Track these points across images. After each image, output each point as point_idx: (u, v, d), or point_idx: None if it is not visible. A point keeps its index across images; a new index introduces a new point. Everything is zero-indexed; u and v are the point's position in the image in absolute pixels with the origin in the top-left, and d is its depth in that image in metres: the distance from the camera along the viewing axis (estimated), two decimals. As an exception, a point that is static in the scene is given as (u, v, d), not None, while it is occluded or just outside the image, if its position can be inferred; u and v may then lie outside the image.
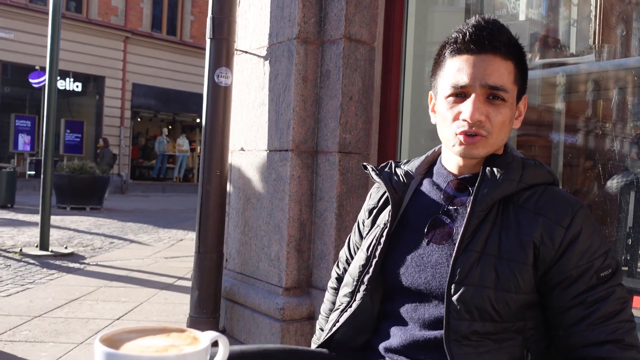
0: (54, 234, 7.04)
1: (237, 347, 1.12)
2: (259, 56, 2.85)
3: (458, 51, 1.14)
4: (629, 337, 1.04)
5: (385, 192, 1.28)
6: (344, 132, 2.58)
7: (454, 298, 1.07)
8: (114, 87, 18.92)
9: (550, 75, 3.21)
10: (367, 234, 1.29)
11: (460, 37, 1.13)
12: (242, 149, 2.96)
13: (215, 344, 0.74)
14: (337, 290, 1.40)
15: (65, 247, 6.64)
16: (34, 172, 16.23)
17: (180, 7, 20.71)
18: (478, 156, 1.15)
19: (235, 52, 2.87)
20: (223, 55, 2.74)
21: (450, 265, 1.09)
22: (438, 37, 3.49)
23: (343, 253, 1.45)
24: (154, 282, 5.17)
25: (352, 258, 1.38)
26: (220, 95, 2.73)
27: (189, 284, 5.13)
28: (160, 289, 4.89)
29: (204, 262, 2.72)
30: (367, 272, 1.20)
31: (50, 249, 6.32)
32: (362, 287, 1.21)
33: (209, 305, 2.71)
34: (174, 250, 7.20)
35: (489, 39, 1.11)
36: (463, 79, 1.11)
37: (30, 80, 15.56)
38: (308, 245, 2.65)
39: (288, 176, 2.61)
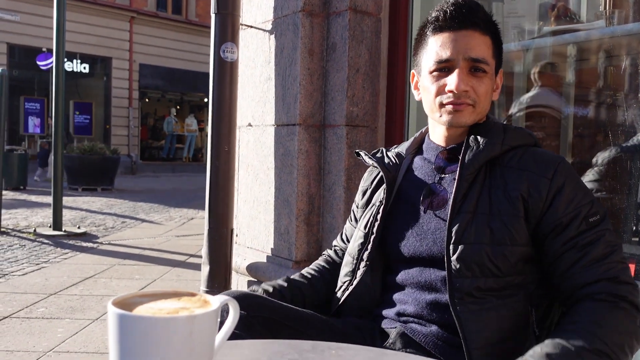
0: (66, 214, 7.12)
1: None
2: (264, 30, 2.83)
3: (440, 29, 1.21)
4: (622, 275, 1.07)
5: (378, 174, 1.35)
6: (351, 105, 2.58)
7: (453, 258, 1.12)
8: (121, 67, 18.90)
9: (560, 44, 3.17)
10: (363, 214, 1.35)
11: (442, 15, 1.20)
12: (250, 125, 2.96)
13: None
14: (327, 263, 1.45)
15: (78, 227, 6.72)
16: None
17: (185, -15, 20.57)
18: (465, 124, 1.21)
19: (240, 26, 2.86)
20: (228, 30, 2.73)
21: (445, 229, 1.15)
22: (445, 7, 3.45)
23: (339, 238, 1.50)
24: (166, 260, 5.24)
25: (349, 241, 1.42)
26: (227, 71, 2.73)
27: (200, 260, 5.20)
28: (172, 266, 4.96)
29: (215, 237, 2.74)
30: (366, 249, 1.26)
31: (63, 229, 6.41)
32: (362, 264, 1.26)
33: (220, 280, 2.75)
34: (185, 228, 7.27)
35: (468, 15, 1.18)
36: (446, 53, 1.18)
37: (38, 63, 15.58)
38: (317, 218, 2.67)
39: (296, 150, 2.61)
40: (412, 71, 1.32)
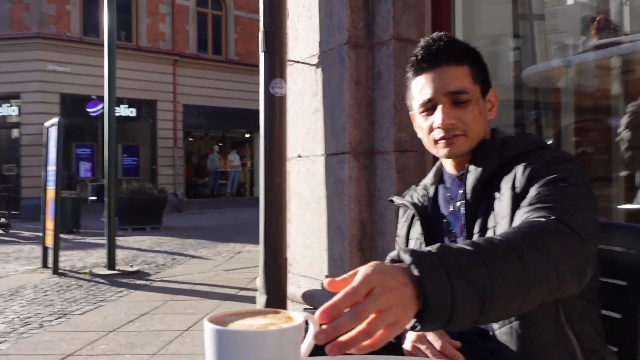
0: (119, 254, 7.32)
1: None
2: (310, 64, 2.92)
3: (416, 72, 1.27)
4: (573, 220, 0.99)
5: (411, 211, 1.39)
6: (399, 130, 2.62)
7: None
8: (166, 109, 19.51)
9: (604, 57, 3.14)
10: (407, 245, 1.39)
11: (415, 59, 1.26)
12: (299, 156, 3.03)
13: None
14: None
15: (131, 266, 6.90)
16: (96, 197, 16.91)
17: (224, 27, 21.21)
18: (462, 153, 1.25)
19: (287, 62, 2.96)
20: (277, 67, 2.83)
21: None
22: (486, 30, 3.48)
23: None
24: (217, 294, 5.31)
25: None
26: (277, 105, 2.82)
27: (250, 293, 5.26)
28: (223, 299, 5.02)
29: (270, 267, 2.79)
30: None
31: (117, 268, 6.59)
32: None
33: (276, 309, 2.78)
34: (233, 262, 7.36)
35: (439, 53, 1.23)
36: (427, 94, 1.24)
37: (88, 110, 16.26)
38: (370, 244, 2.69)
39: (346, 178, 2.65)
40: (410, 112, 1.37)
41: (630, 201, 2.93)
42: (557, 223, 0.96)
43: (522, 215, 1.04)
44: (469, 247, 0.83)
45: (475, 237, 1.17)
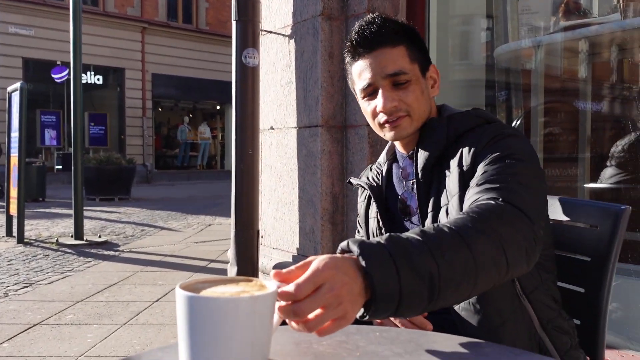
0: (86, 224, 7.22)
1: None
2: (284, 35, 2.89)
3: (353, 57, 1.26)
4: (521, 201, 0.99)
5: (368, 190, 1.40)
6: (372, 105, 2.62)
7: None
8: (134, 78, 19.10)
9: (572, 39, 3.18)
10: (366, 228, 1.41)
11: (351, 44, 1.25)
12: (272, 128, 3.02)
13: None
14: None
15: (99, 236, 6.82)
16: (61, 166, 16.56)
17: (195, -5, 20.76)
18: (408, 134, 1.25)
19: (260, 32, 2.92)
20: (249, 36, 2.79)
21: None
22: (460, 9, 3.49)
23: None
24: (187, 266, 5.30)
25: None
26: (249, 76, 2.79)
27: (221, 266, 5.26)
28: (193, 271, 5.01)
29: (241, 239, 2.79)
30: None
31: (84, 239, 6.51)
32: None
33: (248, 280, 2.80)
34: (204, 235, 7.34)
35: (372, 37, 1.22)
36: (366, 79, 1.23)
37: (53, 76, 15.80)
38: (341, 217, 2.71)
39: (319, 151, 2.66)
40: (356, 97, 1.36)
41: (595, 180, 3.02)
42: (504, 205, 0.96)
43: (472, 196, 1.04)
44: (418, 237, 0.83)
45: (429, 216, 1.19)
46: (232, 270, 2.90)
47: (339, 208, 2.72)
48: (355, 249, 0.78)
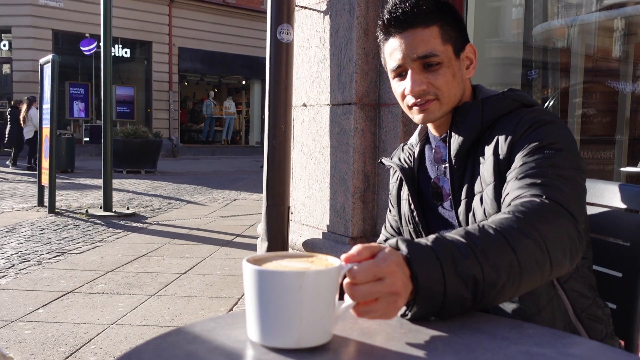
0: (114, 196, 7.35)
1: None
2: (319, 11, 2.85)
3: (385, 36, 1.23)
4: (564, 199, 0.97)
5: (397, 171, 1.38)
6: (407, 83, 2.59)
7: None
8: (161, 51, 19.16)
9: (610, 18, 3.10)
10: (397, 208, 1.39)
11: (382, 23, 1.22)
12: (304, 105, 3.01)
13: None
14: None
15: (127, 208, 6.93)
16: (89, 138, 16.80)
17: (222, -32, 20.63)
18: (436, 118, 1.22)
19: (295, 8, 2.89)
20: (284, 12, 2.77)
21: (455, 219, 1.20)
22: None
23: (385, 229, 1.51)
24: (214, 240, 5.37)
25: (395, 225, 1.44)
26: (283, 52, 2.77)
27: (247, 240, 5.32)
28: (220, 245, 5.08)
29: (272, 215, 2.81)
30: (422, 236, 1.28)
31: (113, 210, 6.62)
32: None
33: (278, 256, 2.82)
34: (229, 209, 7.41)
35: (404, 17, 1.18)
36: (396, 60, 1.20)
37: (82, 48, 15.95)
38: (372, 196, 2.70)
39: (352, 129, 2.64)
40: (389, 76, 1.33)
41: (632, 164, 2.96)
42: (549, 204, 0.95)
43: (512, 190, 1.02)
44: (462, 239, 0.84)
45: (462, 203, 1.18)
46: (262, 246, 2.93)
47: (370, 186, 2.72)
48: (404, 248, 0.80)
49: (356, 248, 0.77)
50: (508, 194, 1.03)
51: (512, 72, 3.57)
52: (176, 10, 19.27)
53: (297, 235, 3.02)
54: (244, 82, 22.62)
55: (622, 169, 3.02)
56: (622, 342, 1.23)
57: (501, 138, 1.12)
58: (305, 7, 2.94)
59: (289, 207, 2.91)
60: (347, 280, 0.75)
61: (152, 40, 18.90)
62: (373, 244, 0.79)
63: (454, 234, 0.86)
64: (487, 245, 0.84)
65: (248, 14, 19.84)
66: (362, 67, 2.65)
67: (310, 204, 2.98)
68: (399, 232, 1.42)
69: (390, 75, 1.24)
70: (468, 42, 1.27)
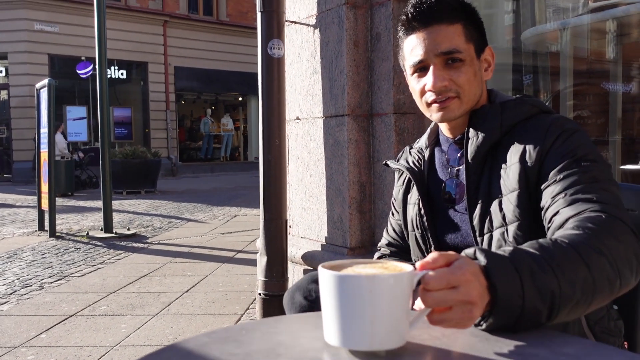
0: (115, 217, 7.35)
1: None
2: (308, 25, 2.88)
3: (407, 31, 1.21)
4: (624, 215, 0.98)
5: (407, 175, 1.36)
6: (398, 92, 2.61)
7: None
8: (157, 71, 19.26)
9: (600, 20, 3.13)
10: (403, 213, 1.37)
11: (405, 18, 1.21)
12: (298, 118, 3.03)
13: None
14: (387, 256, 1.45)
15: (128, 229, 6.93)
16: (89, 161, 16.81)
17: (214, -13, 20.81)
18: (455, 117, 1.20)
19: (285, 23, 2.92)
20: (274, 27, 2.80)
21: (469, 222, 1.19)
22: (486, -9, 3.44)
23: (387, 232, 1.50)
24: (215, 257, 5.37)
25: (398, 229, 1.43)
26: (274, 67, 2.80)
27: (248, 256, 5.32)
28: (221, 262, 5.08)
29: (270, 229, 2.82)
30: (430, 245, 1.28)
31: (114, 231, 6.63)
32: None
33: (278, 269, 2.82)
34: (230, 226, 7.41)
35: (429, 12, 1.18)
36: (418, 55, 1.19)
37: (78, 71, 16.02)
38: (369, 206, 2.71)
39: (346, 140, 2.66)
40: (405, 73, 1.32)
41: (626, 162, 2.97)
42: (614, 221, 0.94)
43: (564, 207, 1.01)
44: (538, 252, 0.84)
45: (478, 207, 1.16)
46: (261, 260, 2.93)
47: (366, 197, 2.73)
48: (482, 258, 0.79)
49: (432, 255, 0.78)
50: (558, 212, 1.02)
51: (506, 78, 3.59)
52: (171, 30, 19.40)
53: (295, 248, 3.02)
54: (240, 99, 22.70)
55: (621, 167, 3.03)
56: (626, 344, 1.24)
57: (529, 146, 1.11)
58: (295, 22, 2.97)
59: (286, 221, 2.92)
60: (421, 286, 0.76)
61: (147, 61, 19.00)
62: (450, 252, 0.79)
63: (527, 247, 0.85)
64: (562, 260, 0.84)
65: (242, 31, 19.97)
66: (353, 78, 2.67)
67: (308, 217, 2.99)
68: (402, 237, 1.41)
69: (410, 71, 1.23)
70: (487, 44, 1.27)
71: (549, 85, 3.55)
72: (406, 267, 0.78)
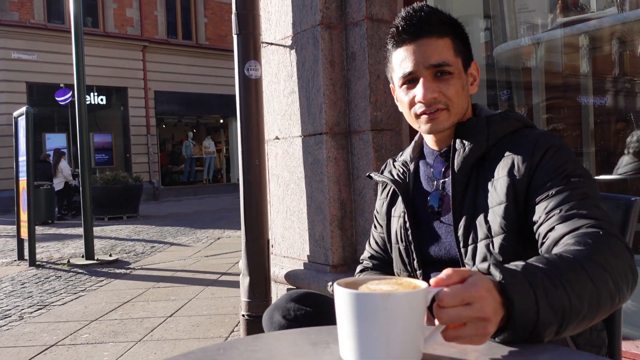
0: (96, 243, 7.26)
1: None
2: (284, 46, 2.92)
3: (397, 44, 1.23)
4: (618, 231, 1.01)
5: (390, 187, 1.38)
6: (375, 110, 2.64)
7: (465, 260, 1.17)
8: (137, 96, 19.21)
9: (571, 34, 3.20)
10: (386, 226, 1.38)
11: (395, 30, 1.22)
12: (277, 138, 3.04)
13: None
14: (370, 269, 1.46)
15: (110, 255, 6.85)
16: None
17: (193, 11, 20.88)
18: (444, 128, 1.23)
19: (261, 44, 2.95)
20: (250, 49, 2.82)
21: (453, 234, 1.20)
22: (458, 11, 3.52)
23: (370, 245, 1.50)
24: (199, 280, 5.32)
25: (380, 241, 1.44)
26: (252, 88, 2.82)
27: (232, 278, 5.28)
28: (205, 285, 5.03)
29: (252, 249, 2.81)
30: (414, 258, 1.29)
31: (96, 258, 6.54)
32: (419, 273, 1.28)
33: (261, 289, 2.81)
34: (213, 248, 7.36)
35: (419, 25, 1.19)
36: (408, 67, 1.20)
37: (57, 98, 15.90)
38: (350, 222, 2.72)
39: (325, 158, 2.68)
40: (390, 85, 1.33)
41: (600, 174, 3.03)
42: (610, 237, 0.96)
43: (560, 224, 1.02)
44: (547, 267, 0.85)
45: (463, 218, 1.18)
46: (244, 281, 2.92)
47: (347, 214, 2.74)
48: (497, 274, 0.80)
49: (446, 272, 0.78)
50: (554, 228, 1.03)
51: (481, 94, 3.66)
52: (150, 55, 19.40)
53: (278, 267, 3.01)
54: (221, 121, 22.70)
55: (596, 177, 3.08)
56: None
57: (517, 160, 1.13)
58: (271, 43, 3.01)
59: (268, 240, 2.92)
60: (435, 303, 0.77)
61: (127, 86, 18.95)
62: (464, 269, 0.79)
63: (535, 262, 0.86)
64: (570, 275, 0.85)
65: (221, 54, 20.05)
66: (330, 97, 2.70)
67: (290, 236, 2.99)
68: (384, 249, 1.41)
69: (398, 83, 1.24)
70: (473, 59, 1.30)
71: (523, 99, 3.61)
72: (421, 284, 0.78)
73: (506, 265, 0.83)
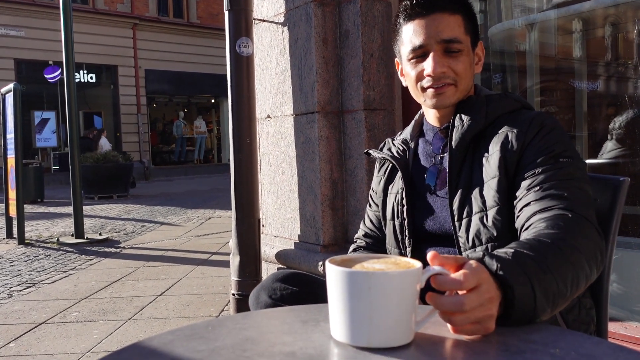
0: (86, 222, 7.22)
1: None
2: (277, 23, 2.87)
3: (409, 17, 1.24)
4: (592, 215, 1.04)
5: (389, 165, 1.40)
6: (368, 89, 2.62)
7: (459, 233, 1.20)
8: (127, 75, 19.01)
9: (565, 15, 3.18)
10: (382, 203, 1.39)
11: (409, 4, 1.24)
12: (269, 116, 3.01)
13: None
14: (363, 248, 1.47)
15: (100, 234, 6.82)
16: (58, 167, 16.52)
17: (184, -11, 20.63)
18: (450, 104, 1.25)
19: (253, 21, 2.90)
20: (242, 25, 2.78)
21: (449, 207, 1.22)
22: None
23: (365, 223, 1.51)
24: (189, 259, 5.31)
25: (375, 220, 1.45)
26: (243, 65, 2.78)
27: (223, 258, 5.27)
28: (196, 264, 5.03)
29: (243, 228, 2.80)
30: (406, 236, 1.31)
31: (85, 237, 6.51)
32: (408, 250, 1.30)
33: (251, 269, 2.80)
34: (204, 228, 7.35)
35: (434, 0, 1.22)
36: (419, 40, 1.22)
37: (46, 76, 15.73)
38: (342, 202, 2.71)
39: (316, 137, 2.66)
40: (396, 59, 1.35)
41: (593, 157, 3.03)
42: (579, 219, 1.00)
43: (535, 201, 1.06)
44: (532, 253, 0.88)
45: (459, 192, 1.20)
46: (234, 260, 2.91)
47: (338, 193, 2.73)
48: (493, 264, 0.81)
49: (444, 255, 0.79)
50: (529, 203, 1.07)
51: (475, 77, 3.63)
52: (140, 33, 19.16)
53: (269, 247, 3.00)
54: (213, 101, 22.55)
55: (586, 160, 3.08)
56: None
57: (511, 134, 1.16)
58: (263, 20, 2.96)
59: (259, 220, 2.91)
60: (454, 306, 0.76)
61: (117, 64, 18.74)
62: (458, 256, 0.82)
63: (519, 248, 0.89)
64: (553, 260, 0.89)
65: (213, 33, 19.84)
66: (322, 75, 2.67)
67: (281, 215, 2.97)
68: (379, 228, 1.43)
69: (407, 56, 1.26)
70: (479, 39, 1.32)
71: (517, 81, 3.60)
72: (415, 263, 0.77)
73: (498, 254, 0.84)
